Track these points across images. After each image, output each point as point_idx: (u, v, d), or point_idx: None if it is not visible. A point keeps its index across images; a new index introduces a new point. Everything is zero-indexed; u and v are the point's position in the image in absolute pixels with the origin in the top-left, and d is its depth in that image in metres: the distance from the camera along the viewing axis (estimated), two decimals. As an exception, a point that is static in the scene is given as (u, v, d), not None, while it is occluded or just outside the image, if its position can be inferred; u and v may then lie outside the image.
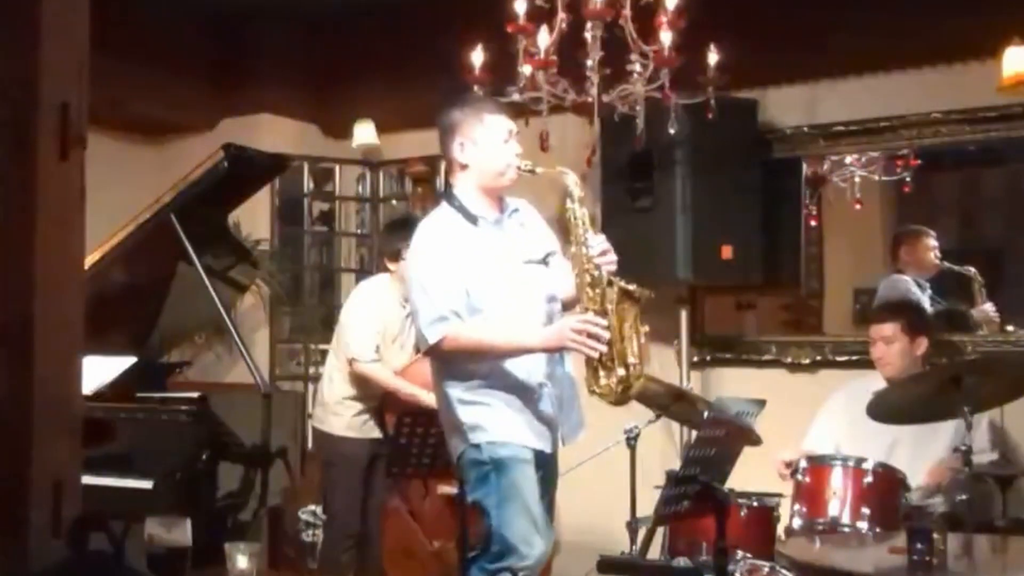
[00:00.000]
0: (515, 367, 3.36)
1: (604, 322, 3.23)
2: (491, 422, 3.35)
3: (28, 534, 2.13)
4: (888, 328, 4.31)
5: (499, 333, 3.34)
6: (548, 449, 3.42)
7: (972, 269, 5.02)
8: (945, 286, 5.08)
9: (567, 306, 3.49)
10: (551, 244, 3.54)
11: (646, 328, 3.32)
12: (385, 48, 6.21)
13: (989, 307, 5.00)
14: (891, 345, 4.29)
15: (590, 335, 3.21)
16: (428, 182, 5.99)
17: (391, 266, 4.87)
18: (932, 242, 5.10)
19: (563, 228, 3.46)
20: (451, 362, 3.40)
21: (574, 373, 3.50)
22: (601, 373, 3.28)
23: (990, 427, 4.24)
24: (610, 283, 3.27)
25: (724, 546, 2.93)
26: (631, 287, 3.27)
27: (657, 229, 4.92)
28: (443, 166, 5.94)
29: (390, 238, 5.01)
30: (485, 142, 3.40)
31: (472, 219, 3.41)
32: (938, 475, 4.10)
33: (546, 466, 3.45)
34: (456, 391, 3.39)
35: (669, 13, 4.03)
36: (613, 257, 3.32)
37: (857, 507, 3.83)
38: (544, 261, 3.47)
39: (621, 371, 3.26)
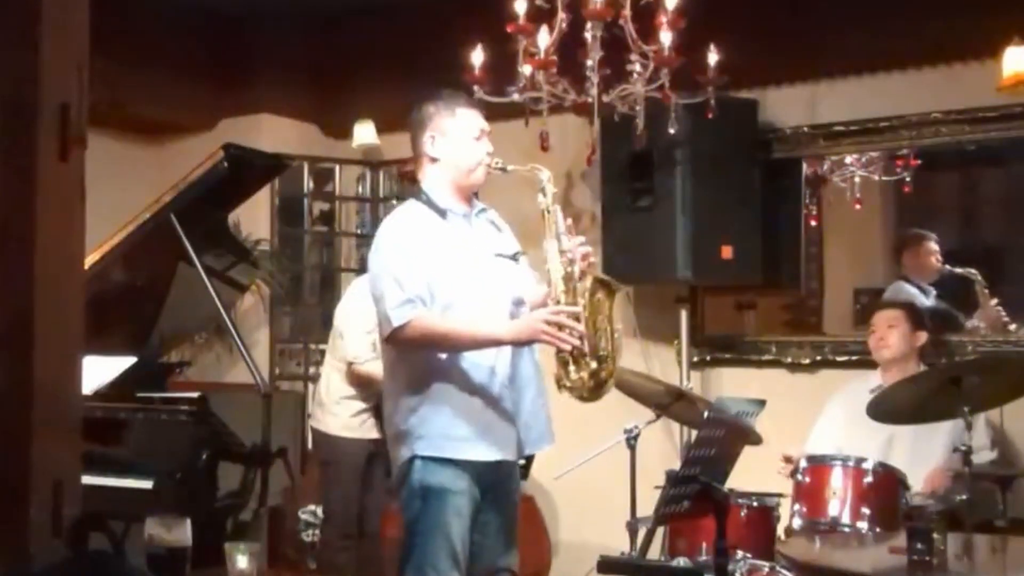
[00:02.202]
0: (474, 368, 3.24)
1: (577, 309, 3.14)
2: (436, 433, 3.22)
3: (28, 534, 2.13)
4: (892, 313, 4.41)
5: (467, 323, 3.21)
6: (506, 457, 3.29)
7: (974, 271, 5.02)
8: (948, 289, 5.08)
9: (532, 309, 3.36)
10: (518, 247, 3.46)
11: (620, 324, 3.23)
12: (385, 48, 6.21)
13: (995, 307, 5.00)
14: (892, 329, 4.35)
15: (562, 327, 3.11)
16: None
17: None
18: (934, 246, 5.10)
19: (535, 227, 3.36)
20: (410, 351, 3.26)
21: (543, 382, 3.37)
22: (572, 367, 3.18)
23: (987, 426, 4.25)
24: (583, 275, 3.19)
25: (724, 546, 2.93)
26: (605, 277, 3.22)
27: (657, 229, 4.92)
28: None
29: None
30: (456, 135, 3.32)
31: (440, 212, 3.31)
32: (935, 482, 4.11)
33: (503, 476, 3.33)
34: (406, 395, 3.27)
35: (669, 13, 4.04)
36: (588, 250, 3.25)
37: (857, 507, 3.83)
38: (514, 257, 3.38)
39: (593, 364, 3.17)
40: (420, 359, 3.27)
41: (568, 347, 3.13)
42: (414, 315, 3.16)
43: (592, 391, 3.21)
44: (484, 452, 3.25)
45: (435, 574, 3.19)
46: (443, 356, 3.24)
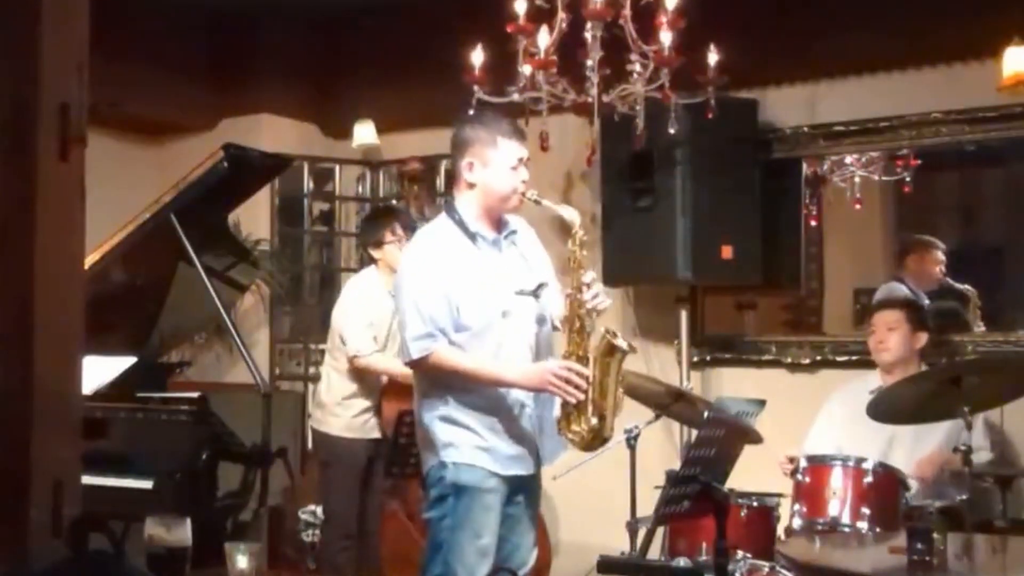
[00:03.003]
0: (502, 391, 3.37)
1: (587, 372, 3.25)
2: (465, 443, 3.34)
3: (28, 534, 2.13)
4: (893, 315, 4.37)
5: (482, 363, 3.33)
6: (526, 472, 3.42)
7: (973, 290, 5.00)
8: (942, 301, 5.04)
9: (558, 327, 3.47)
10: (546, 272, 3.51)
11: (624, 382, 3.35)
12: (385, 48, 6.21)
13: (980, 329, 4.99)
14: (892, 332, 4.33)
15: (570, 381, 3.23)
16: (423, 181, 5.99)
17: (375, 254, 4.91)
18: (940, 256, 5.08)
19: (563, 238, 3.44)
20: (429, 378, 3.41)
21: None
22: (574, 419, 3.30)
23: (985, 425, 4.24)
24: (605, 334, 3.28)
25: (724, 546, 2.93)
26: (619, 342, 3.27)
27: (657, 229, 4.92)
28: (442, 167, 6.01)
29: (370, 228, 5.04)
30: (495, 166, 3.39)
31: (471, 236, 3.40)
32: (923, 469, 4.11)
33: (526, 487, 3.47)
34: (437, 407, 3.39)
35: (669, 13, 4.03)
36: (607, 300, 3.34)
37: (857, 507, 3.83)
38: (535, 294, 3.43)
39: (595, 421, 3.28)
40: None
41: (573, 400, 3.26)
42: (433, 349, 3.31)
43: (590, 443, 3.35)
44: (509, 467, 3.38)
45: (462, 568, 3.29)
46: None
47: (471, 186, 3.42)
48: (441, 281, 3.33)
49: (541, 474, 3.57)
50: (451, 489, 3.33)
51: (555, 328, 3.47)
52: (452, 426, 3.37)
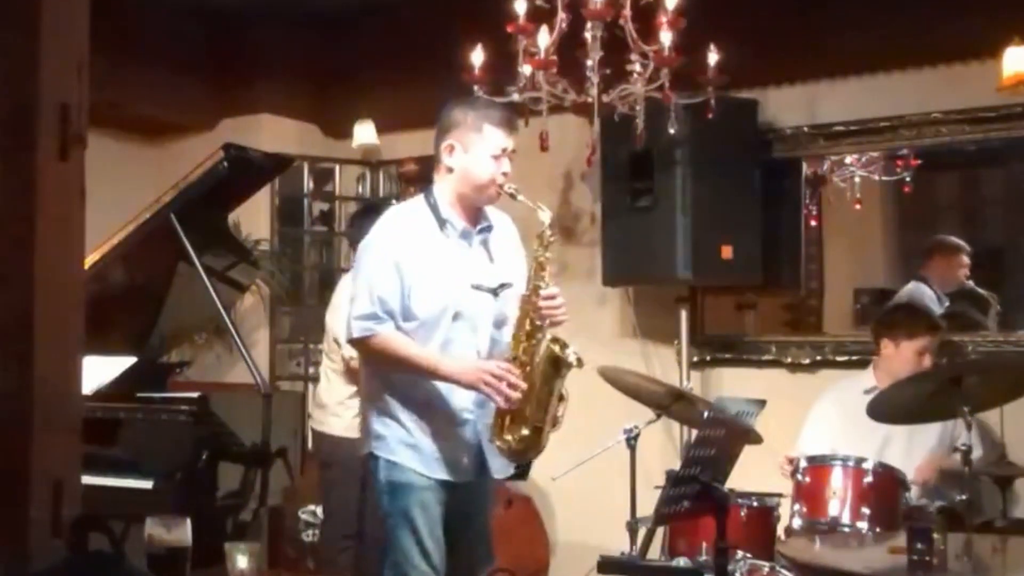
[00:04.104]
0: (442, 388, 3.26)
1: (524, 385, 3.17)
2: (393, 438, 3.28)
3: (28, 534, 2.13)
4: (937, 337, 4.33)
5: (420, 351, 3.23)
6: (456, 479, 3.31)
7: (994, 296, 4.99)
8: (962, 304, 5.03)
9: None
10: (515, 274, 3.38)
11: (566, 396, 3.26)
12: (385, 48, 6.21)
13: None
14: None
15: (508, 384, 3.15)
16: (420, 181, 5.99)
17: None
18: (966, 259, 5.06)
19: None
20: (369, 361, 3.37)
21: None
22: (507, 427, 3.23)
23: (976, 422, 4.23)
24: (551, 343, 3.20)
25: (724, 546, 2.94)
26: (566, 355, 3.19)
27: (657, 229, 4.92)
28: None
29: (359, 226, 5.02)
30: (476, 152, 3.29)
31: (441, 223, 3.31)
32: (924, 474, 4.11)
33: (468, 496, 3.35)
34: (374, 396, 3.34)
35: (669, 13, 4.03)
36: (563, 314, 3.24)
37: (857, 507, 3.83)
38: (495, 292, 3.32)
39: (525, 431, 3.22)
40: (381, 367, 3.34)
41: (505, 405, 3.18)
42: (375, 331, 3.23)
43: (517, 454, 3.28)
44: (442, 472, 3.29)
45: (408, 566, 3.24)
46: None
47: (450, 170, 3.32)
48: (397, 263, 3.23)
49: (490, 486, 3.48)
50: (386, 487, 3.28)
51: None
52: (384, 418, 3.31)
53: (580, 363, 3.23)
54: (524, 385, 3.18)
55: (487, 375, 3.17)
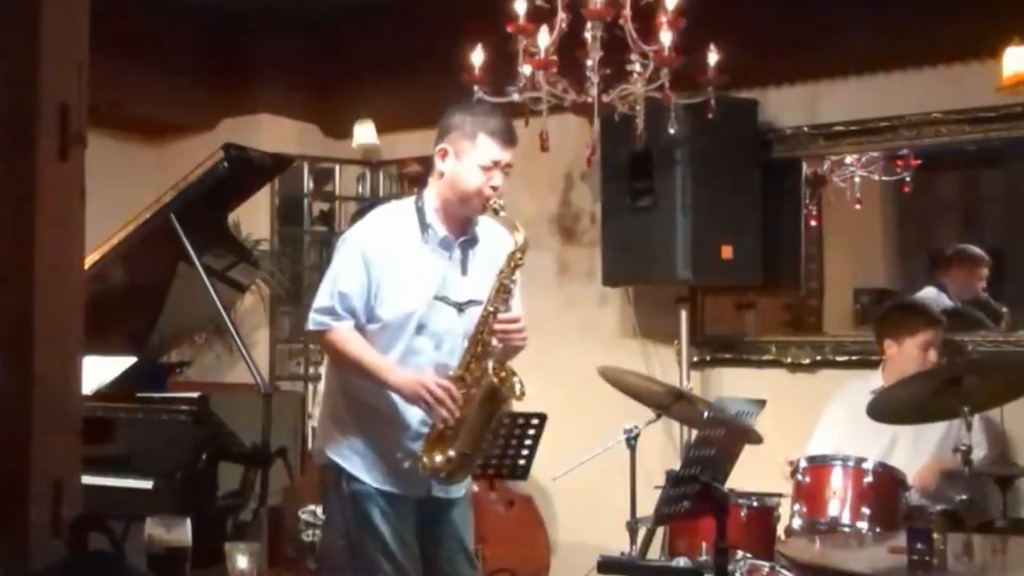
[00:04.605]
0: (396, 399, 3.18)
1: (458, 413, 3.09)
2: (344, 443, 3.24)
3: (28, 534, 2.13)
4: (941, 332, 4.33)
5: (368, 355, 3.16)
6: (404, 492, 3.24)
7: (1007, 310, 4.95)
8: (975, 311, 5.01)
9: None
10: (475, 295, 3.24)
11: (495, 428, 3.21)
12: (385, 48, 6.21)
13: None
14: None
15: (442, 403, 3.07)
16: (422, 182, 5.99)
17: None
18: (986, 271, 5.03)
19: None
20: (333, 360, 3.35)
21: None
22: (436, 445, 3.14)
23: (982, 421, 4.23)
24: (493, 372, 3.11)
25: (724, 546, 2.94)
26: (506, 386, 3.10)
27: (657, 229, 4.92)
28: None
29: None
30: (466, 161, 3.18)
31: (424, 227, 3.23)
32: (924, 478, 4.11)
33: (432, 509, 3.29)
34: (331, 398, 3.34)
35: (669, 13, 4.03)
36: (522, 335, 3.17)
37: (857, 507, 3.83)
38: (460, 307, 3.21)
39: (452, 453, 3.13)
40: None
41: (438, 423, 3.11)
42: (329, 327, 3.20)
43: (445, 476, 3.18)
44: (385, 482, 3.24)
45: (378, 573, 3.20)
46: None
47: (441, 175, 3.24)
48: (367, 261, 3.17)
49: (462, 506, 3.37)
50: (349, 496, 3.24)
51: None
52: (338, 423, 3.28)
53: (520, 396, 3.14)
54: (459, 406, 3.10)
55: (425, 390, 3.08)
